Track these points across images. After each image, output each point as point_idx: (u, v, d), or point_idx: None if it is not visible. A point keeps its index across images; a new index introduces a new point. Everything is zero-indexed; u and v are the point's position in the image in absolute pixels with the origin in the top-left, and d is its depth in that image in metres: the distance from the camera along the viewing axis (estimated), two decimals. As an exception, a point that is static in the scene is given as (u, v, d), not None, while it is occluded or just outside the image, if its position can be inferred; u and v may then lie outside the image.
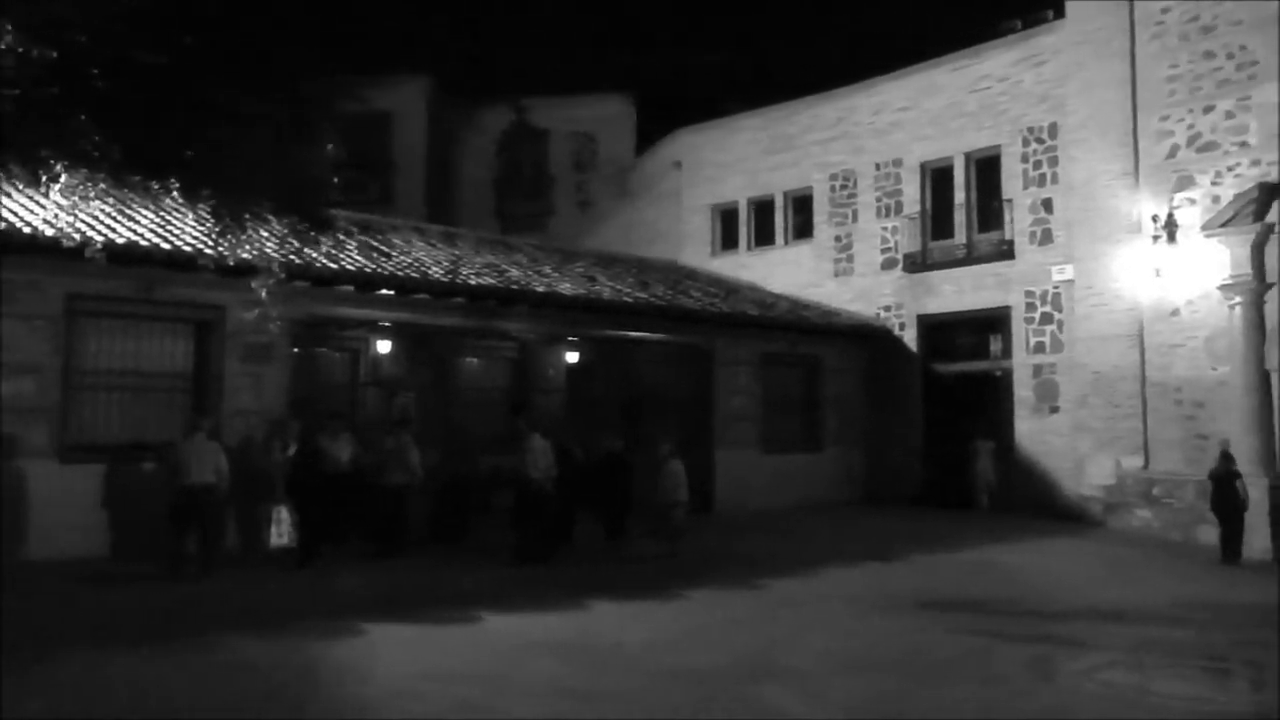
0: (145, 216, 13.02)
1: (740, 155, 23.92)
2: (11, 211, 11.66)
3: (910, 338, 20.50)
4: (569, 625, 8.99)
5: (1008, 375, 19.05)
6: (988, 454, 18.55)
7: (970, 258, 19.54)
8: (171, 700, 6.44)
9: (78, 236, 10.27)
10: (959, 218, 19.91)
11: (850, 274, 21.62)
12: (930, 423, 20.19)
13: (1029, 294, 18.65)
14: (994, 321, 19.37)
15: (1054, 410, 18.19)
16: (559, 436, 13.45)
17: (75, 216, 10.89)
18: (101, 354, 12.33)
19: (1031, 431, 18.46)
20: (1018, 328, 18.83)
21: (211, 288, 12.43)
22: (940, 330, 20.30)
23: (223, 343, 12.98)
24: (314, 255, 13.44)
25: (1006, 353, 19.14)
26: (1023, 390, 18.70)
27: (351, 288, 13.79)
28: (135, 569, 11.04)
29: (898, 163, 20.83)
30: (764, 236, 23.59)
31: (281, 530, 12.36)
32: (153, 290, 12.33)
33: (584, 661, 7.57)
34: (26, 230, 11.14)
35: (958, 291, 19.70)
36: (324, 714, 6.36)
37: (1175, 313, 16.13)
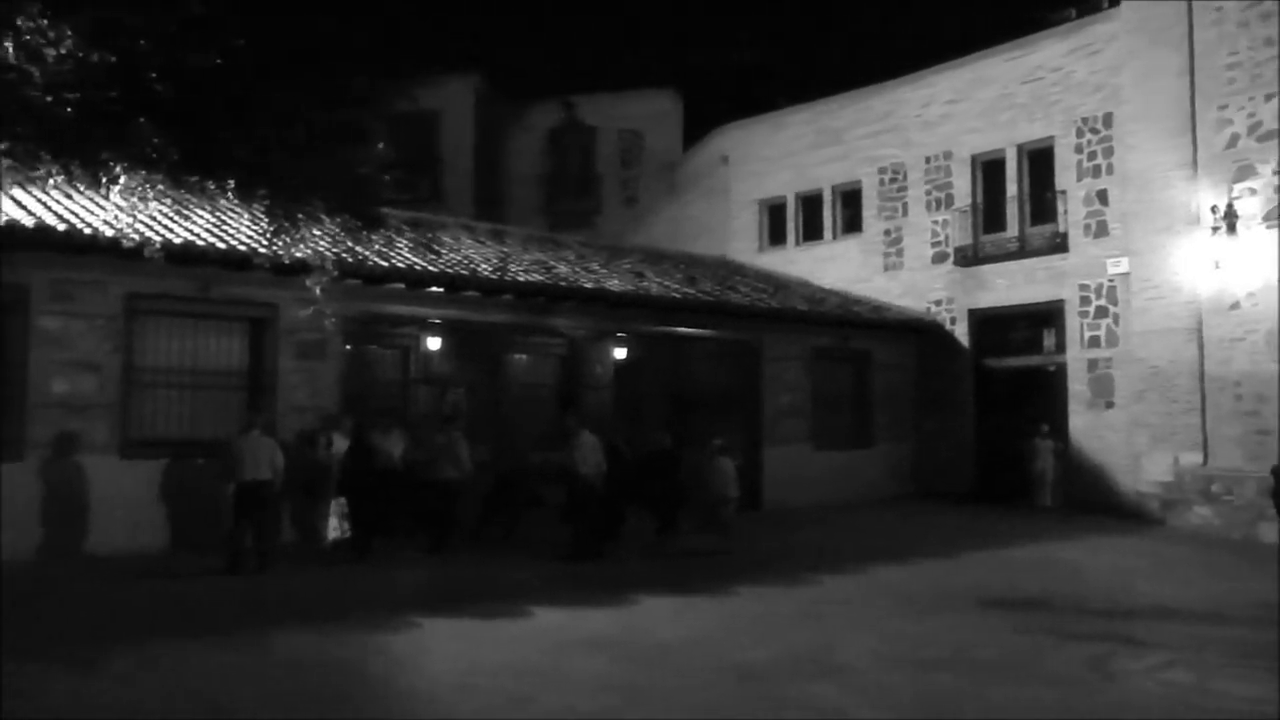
0: (202, 217, 13.25)
1: (787, 150, 23.79)
2: (73, 213, 11.94)
3: (961, 332, 20.26)
4: (619, 621, 9.01)
5: (1061, 370, 18.76)
6: (1048, 451, 18.19)
7: (1023, 251, 19.26)
8: (230, 692, 6.55)
9: (137, 237, 10.48)
10: (1011, 210, 19.64)
11: (900, 268, 21.43)
12: (982, 418, 19.95)
13: (1083, 287, 18.34)
14: (1047, 315, 19.08)
15: (1109, 405, 17.89)
16: (607, 433, 13.48)
17: (134, 217, 11.11)
18: (160, 352, 12.58)
19: (1086, 427, 18.17)
20: (1072, 322, 18.53)
21: (266, 286, 12.65)
22: (992, 324, 20.04)
23: (277, 340, 13.18)
24: (365, 253, 13.60)
25: (1060, 347, 18.85)
26: (1077, 385, 18.41)
27: (402, 285, 13.92)
28: (193, 563, 11.25)
29: (948, 155, 20.59)
30: (812, 231, 23.45)
31: (335, 525, 12.53)
32: (209, 289, 12.55)
33: (634, 657, 7.58)
34: (88, 231, 11.39)
35: (1010, 285, 19.45)
36: (378, 706, 6.44)
37: (1235, 306, 15.78)
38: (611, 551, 12.54)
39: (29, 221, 11.16)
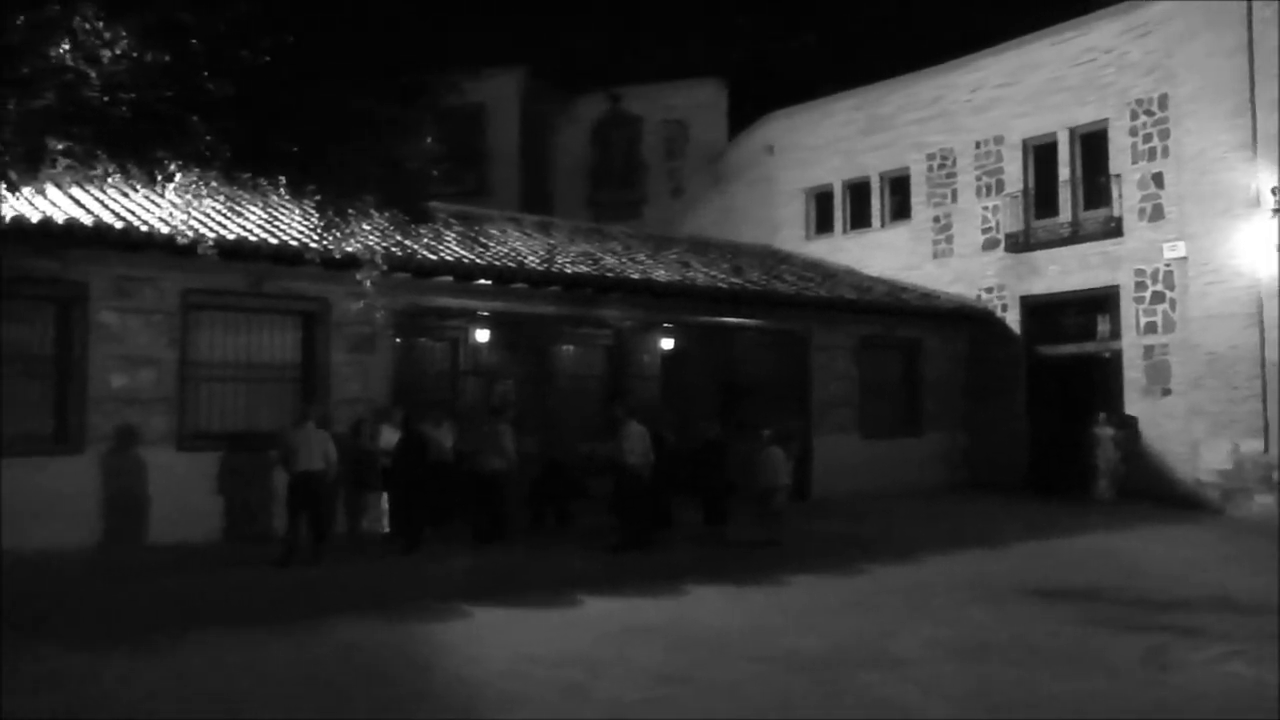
0: (254, 213, 13.45)
1: (834, 137, 23.59)
2: (130, 211, 12.17)
3: (1013, 319, 19.99)
4: (669, 610, 9.03)
5: (1116, 357, 18.44)
6: (1108, 440, 17.61)
7: (1076, 236, 18.94)
8: (288, 679, 6.66)
9: (191, 233, 10.66)
10: (1063, 195, 19.32)
11: (949, 255, 21.18)
12: (1034, 407, 19.68)
13: (1139, 272, 18.00)
14: (1101, 301, 18.76)
15: (1166, 393, 17.56)
16: (653, 423, 13.49)
17: (189, 214, 11.32)
18: (215, 346, 12.81)
19: (1142, 415, 17.84)
20: (1127, 307, 18.20)
21: (317, 281, 12.80)
22: (1044, 311, 19.75)
23: (329, 333, 13.35)
24: (414, 247, 13.73)
25: (1115, 334, 18.53)
26: (1133, 372, 18.09)
27: (451, 278, 14.02)
28: (248, 553, 11.44)
29: (998, 140, 20.30)
30: (860, 219, 23.26)
31: (375, 516, 12.66)
32: (262, 284, 12.74)
33: (685, 646, 7.59)
34: (144, 228, 11.62)
35: (1063, 271, 19.14)
36: (432, 693, 6.51)
37: (1297, 289, 15.42)
38: (662, 541, 12.55)
39: (88, 220, 11.40)
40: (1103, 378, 18.66)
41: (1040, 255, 19.48)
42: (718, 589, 9.92)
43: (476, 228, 17.12)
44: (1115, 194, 18.37)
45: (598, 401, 17.11)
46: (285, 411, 12.80)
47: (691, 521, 13.53)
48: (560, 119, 29.86)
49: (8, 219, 10.21)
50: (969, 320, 20.39)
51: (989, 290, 20.39)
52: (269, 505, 12.36)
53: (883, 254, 22.27)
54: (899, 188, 22.42)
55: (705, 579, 10.29)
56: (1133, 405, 17.95)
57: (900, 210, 22.38)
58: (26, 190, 9.79)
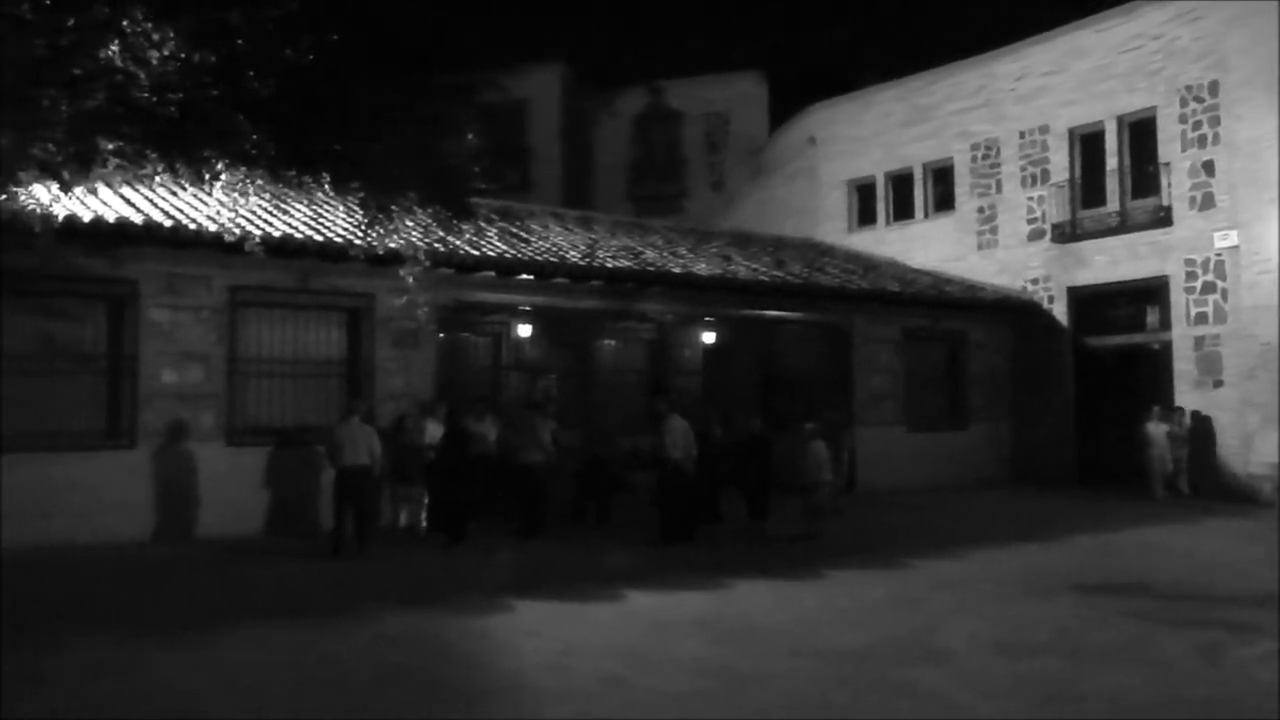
0: (299, 210, 13.61)
1: (876, 128, 23.40)
2: (178, 209, 12.37)
3: (1060, 311, 19.73)
4: (713, 604, 9.02)
5: (1166, 348, 18.13)
6: (1163, 435, 16.87)
7: (1124, 226, 18.65)
8: (335, 671, 6.74)
9: (238, 231, 10.83)
10: (1111, 184, 19.03)
11: (994, 246, 20.94)
12: (1082, 399, 19.42)
13: (1189, 262, 17.68)
14: (1150, 292, 18.46)
15: (1218, 384, 17.24)
16: (698, 417, 13.49)
17: (235, 212, 11.50)
18: (262, 342, 12.97)
19: (1192, 407, 17.53)
20: (1177, 298, 17.89)
21: (362, 277, 12.94)
22: (1092, 302, 19.47)
23: (373, 329, 13.48)
24: (456, 243, 13.81)
25: (1165, 324, 18.22)
26: (1183, 364, 17.78)
27: (493, 273, 14.11)
28: (296, 545, 11.60)
29: (1043, 129, 20.02)
30: (902, 210, 23.06)
31: (417, 510, 12.75)
32: (308, 280, 12.89)
33: (729, 640, 7.58)
34: (192, 227, 11.80)
35: (1111, 262, 18.86)
36: (476, 686, 6.56)
37: (1354, 278, 15.07)
38: (705, 535, 12.54)
39: (137, 219, 11.59)
40: (1152, 370, 18.37)
41: (1087, 245, 19.20)
42: (760, 583, 9.89)
43: (518, 223, 17.20)
44: (1164, 183, 18.05)
45: (639, 396, 17.12)
46: (331, 407, 12.96)
47: (734, 515, 13.50)
48: (601, 114, 29.89)
49: (61, 219, 10.41)
50: (1014, 312, 20.15)
51: (1035, 281, 20.14)
52: (315, 499, 12.52)
53: (926, 246, 22.07)
54: (942, 178, 22.20)
55: (748, 573, 10.27)
56: (1183, 397, 17.64)
57: (944, 201, 22.16)
58: (78, 190, 10.00)
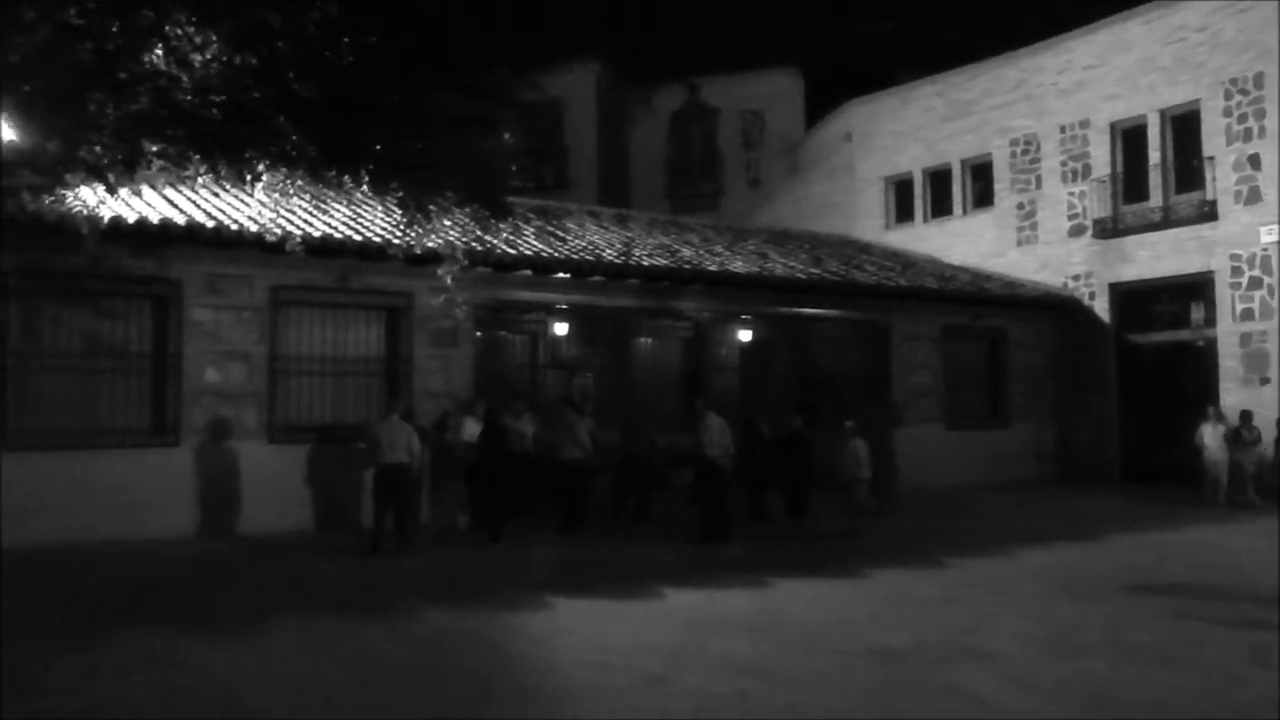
0: (339, 210, 13.72)
1: (914, 124, 23.22)
2: (220, 210, 12.51)
3: (1101, 307, 19.48)
4: (752, 602, 8.99)
5: (1211, 345, 17.86)
6: (1219, 436, 15.63)
7: (1167, 221, 18.39)
8: (379, 666, 6.79)
9: (279, 231, 10.93)
10: (1154, 179, 18.76)
11: (1034, 243, 20.71)
12: (1126, 396, 19.16)
13: (1234, 257, 17.40)
14: (1195, 288, 18.19)
15: (1264, 381, 16.94)
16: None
17: (276, 213, 11.61)
18: (303, 341, 13.09)
19: (1239, 405, 17.23)
20: (1222, 294, 17.61)
21: (401, 276, 13.01)
22: (1135, 299, 19.21)
23: (412, 328, 13.57)
24: (494, 241, 13.87)
25: (1210, 321, 17.94)
26: (1229, 361, 17.49)
27: (530, 272, 14.15)
28: (336, 542, 11.70)
29: (1084, 124, 19.78)
30: (941, 207, 22.87)
31: (453, 508, 12.81)
32: (347, 280, 12.99)
33: (768, 639, 7.54)
34: (234, 227, 11.93)
35: (1154, 257, 18.59)
36: (517, 682, 6.58)
37: (1407, 273, 14.75)
38: (744, 533, 12.49)
39: (181, 220, 11.74)
40: (1198, 367, 18.09)
41: (1130, 241, 18.95)
42: (800, 581, 9.85)
43: (555, 222, 17.24)
44: (1209, 177, 17.78)
45: (676, 394, 17.11)
46: (371, 404, 13.06)
47: (772, 513, 13.45)
48: (637, 112, 29.87)
49: (107, 220, 10.57)
50: (1056, 309, 19.93)
51: (1076, 278, 19.90)
52: (356, 497, 12.63)
53: (965, 242, 21.88)
54: (981, 174, 22.00)
55: (787, 571, 10.22)
56: (1230, 395, 17.35)
57: (983, 197, 21.96)
58: (123, 192, 10.15)
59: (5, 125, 7.40)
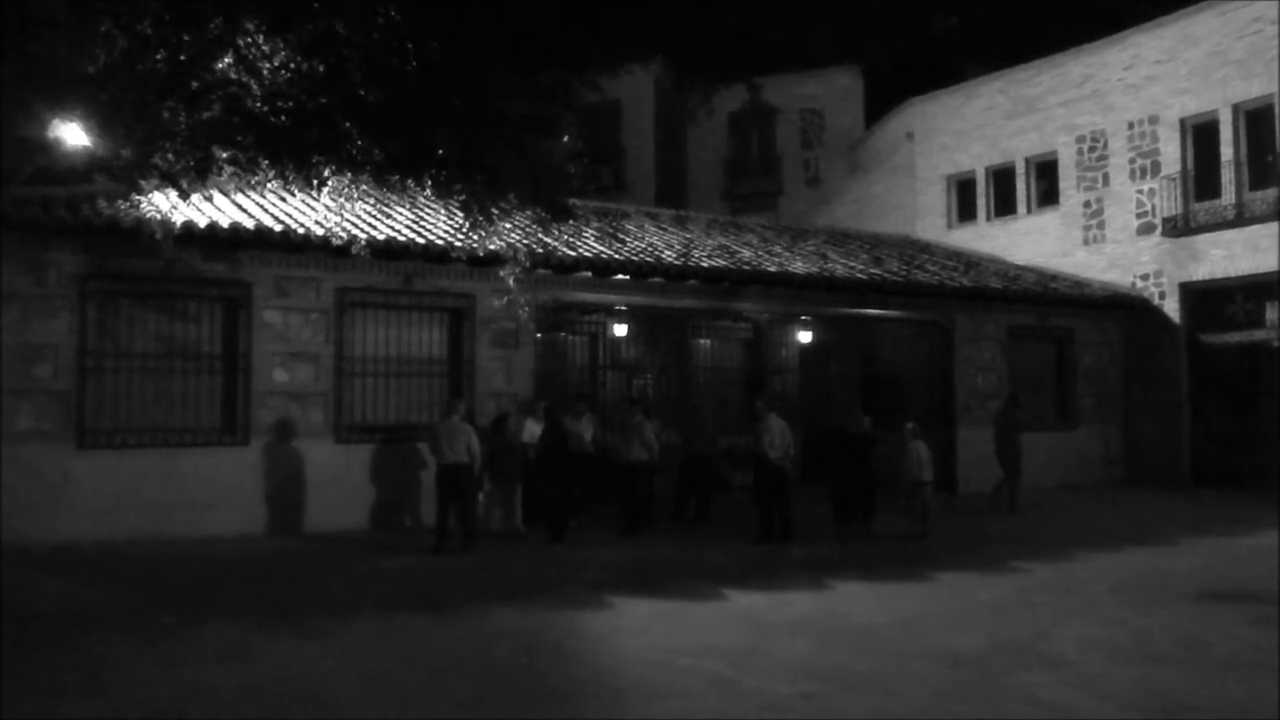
0: (402, 214, 13.91)
1: (977, 122, 22.90)
2: (288, 214, 12.75)
3: (1171, 307, 19.05)
4: (816, 604, 8.93)
5: (1288, 345, 17.37)
6: None
7: (1241, 218, 17.91)
8: (444, 664, 6.87)
9: (345, 235, 11.10)
10: (1226, 175, 18.29)
11: (1102, 241, 20.31)
12: (1198, 398, 18.71)
13: (1312, 255, 16.91)
14: (1271, 287, 17.69)
15: (1344, 382, 16.44)
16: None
17: (342, 216, 11.80)
18: (367, 342, 13.28)
19: (1318, 406, 16.76)
20: (1300, 293, 17.12)
21: (464, 278, 13.16)
22: (1207, 298, 18.74)
23: (474, 329, 13.69)
24: (554, 244, 13.95)
25: (1286, 320, 17.45)
26: (1306, 361, 17.01)
27: (590, 273, 14.20)
28: (400, 541, 11.85)
29: (1153, 120, 19.35)
30: (1004, 206, 22.52)
31: (512, 508, 12.89)
32: (411, 282, 13.16)
33: (833, 641, 7.49)
34: (301, 231, 12.15)
35: (1227, 256, 18.12)
36: (581, 680, 6.61)
37: None
38: (807, 534, 12.41)
39: (250, 224, 11.99)
40: (1273, 368, 17.60)
41: (1201, 239, 18.50)
42: (863, 584, 9.77)
43: (614, 223, 17.29)
44: (1285, 172, 17.29)
45: (736, 395, 17.06)
46: (434, 405, 13.21)
47: (826, 516, 13.36)
48: (697, 112, 29.79)
49: (179, 225, 10.83)
50: (1124, 309, 19.53)
51: (1145, 277, 19.48)
52: (418, 496, 12.78)
53: (1030, 241, 21.52)
54: (1046, 172, 21.62)
55: (851, 574, 10.15)
56: (1307, 396, 16.87)
57: (1048, 196, 21.58)
58: (195, 197, 10.38)
59: (83, 133, 7.62)
